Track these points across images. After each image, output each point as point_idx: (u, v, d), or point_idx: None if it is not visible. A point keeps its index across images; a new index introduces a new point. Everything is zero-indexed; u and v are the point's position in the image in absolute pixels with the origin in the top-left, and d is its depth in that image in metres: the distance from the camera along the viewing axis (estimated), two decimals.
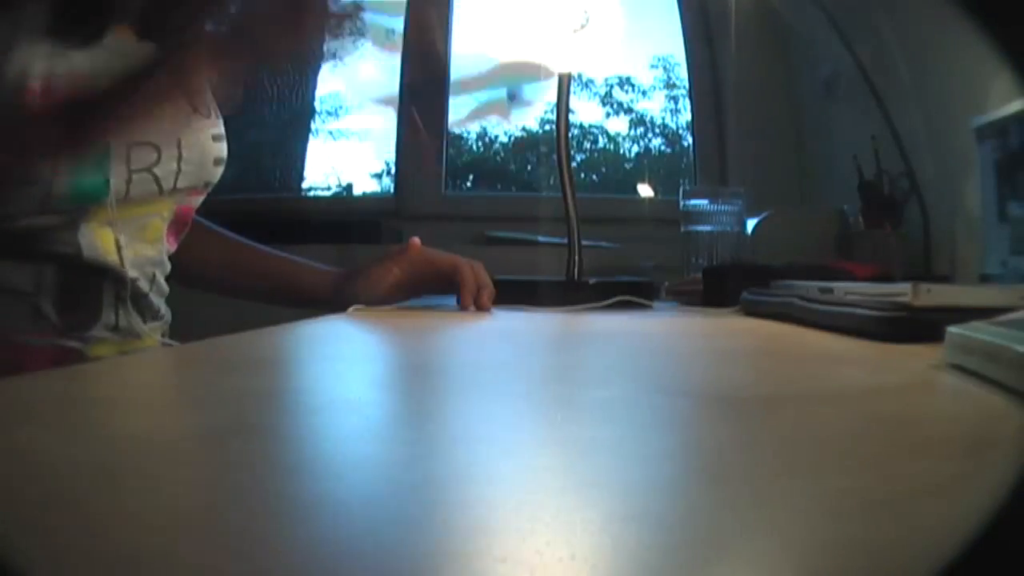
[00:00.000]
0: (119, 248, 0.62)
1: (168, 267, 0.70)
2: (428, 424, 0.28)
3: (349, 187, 1.91)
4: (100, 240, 0.61)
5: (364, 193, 1.90)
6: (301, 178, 1.92)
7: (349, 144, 1.93)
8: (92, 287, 0.62)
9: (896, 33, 1.26)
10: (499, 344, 0.57)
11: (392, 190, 1.78)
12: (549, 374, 0.43)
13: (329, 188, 1.92)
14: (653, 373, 0.43)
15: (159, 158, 0.64)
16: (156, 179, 0.64)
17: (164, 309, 0.70)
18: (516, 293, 0.91)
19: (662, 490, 0.19)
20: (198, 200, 0.72)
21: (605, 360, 0.50)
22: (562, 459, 0.22)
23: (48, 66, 0.57)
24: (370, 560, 0.14)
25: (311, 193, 1.91)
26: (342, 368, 0.43)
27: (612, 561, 0.14)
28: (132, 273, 0.64)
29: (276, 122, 1.87)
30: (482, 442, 0.24)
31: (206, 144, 0.69)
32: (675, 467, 0.22)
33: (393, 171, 1.79)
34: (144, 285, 0.66)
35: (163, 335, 0.70)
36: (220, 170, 0.72)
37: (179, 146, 0.66)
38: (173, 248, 0.71)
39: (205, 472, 0.20)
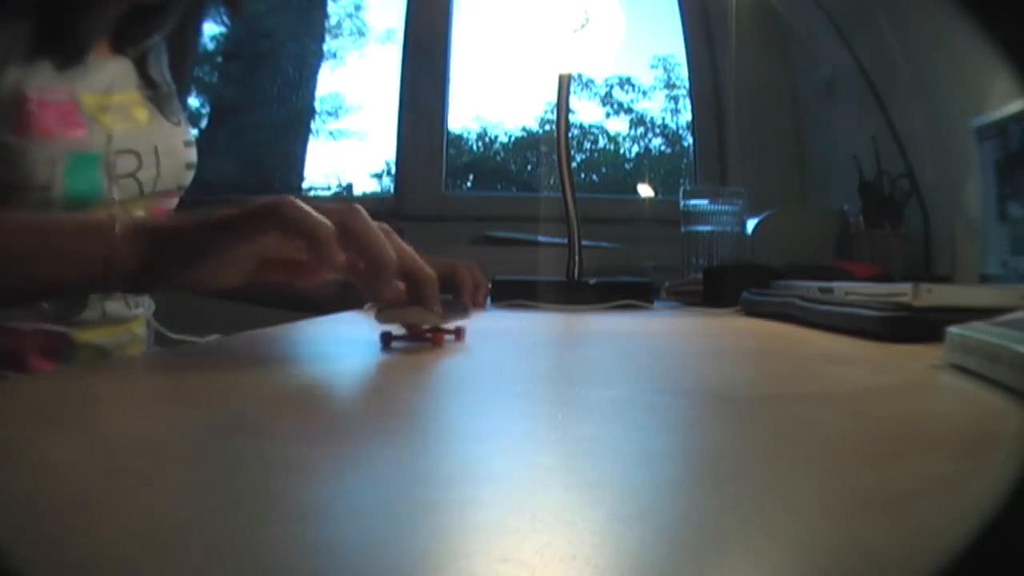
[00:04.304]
0: None
1: None
2: (428, 423, 0.28)
3: (349, 187, 1.92)
4: None
5: (364, 193, 1.90)
6: (301, 178, 1.92)
7: (349, 144, 1.93)
8: None
9: (896, 33, 1.26)
10: (499, 344, 0.57)
11: (392, 190, 1.78)
12: (550, 374, 0.43)
13: (329, 188, 1.92)
14: (654, 373, 0.43)
15: (140, 164, 0.70)
16: (139, 183, 0.70)
17: (146, 297, 0.74)
18: (516, 293, 0.91)
19: (663, 490, 0.19)
20: (173, 202, 0.76)
21: (605, 360, 0.49)
22: (563, 459, 0.22)
23: (41, 84, 0.63)
24: (370, 560, 0.14)
25: (311, 193, 1.91)
26: (344, 366, 0.43)
27: (613, 561, 0.14)
28: None
29: (276, 122, 1.88)
30: (482, 441, 0.24)
31: (179, 150, 0.75)
32: (676, 467, 0.22)
33: (393, 171, 1.79)
34: None
35: (147, 323, 0.74)
36: (191, 174, 0.77)
37: (156, 152, 0.72)
38: None
39: (205, 472, 0.20)
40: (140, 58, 0.74)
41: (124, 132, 0.69)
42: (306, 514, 0.16)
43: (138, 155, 0.70)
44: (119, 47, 0.72)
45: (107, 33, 0.69)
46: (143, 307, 0.73)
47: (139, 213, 0.70)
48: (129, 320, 0.71)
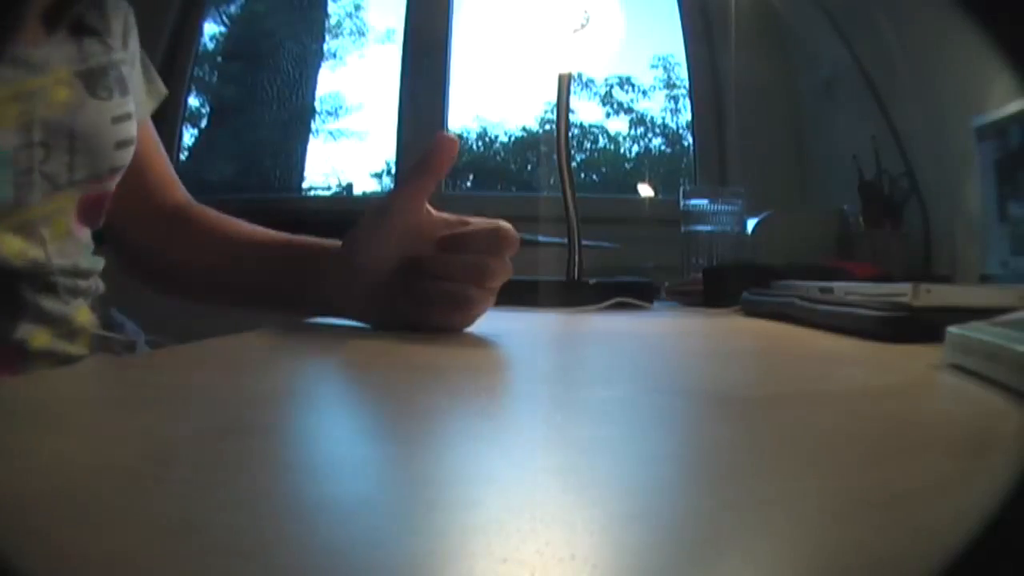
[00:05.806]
0: (26, 252, 0.60)
1: (88, 247, 0.67)
2: (427, 423, 0.28)
3: (349, 187, 1.92)
4: (4, 245, 0.59)
5: (364, 193, 1.90)
6: (301, 178, 1.92)
7: (349, 144, 1.93)
8: (6, 288, 0.60)
9: (896, 33, 1.26)
10: (499, 344, 0.57)
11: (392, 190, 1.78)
12: (549, 374, 0.43)
13: (329, 188, 1.92)
14: (653, 373, 0.43)
15: (47, 154, 0.61)
16: (47, 176, 0.61)
17: (87, 283, 0.66)
18: (516, 293, 0.91)
19: (662, 490, 0.19)
20: (110, 184, 0.68)
21: (605, 360, 0.49)
22: (562, 459, 0.22)
23: None
24: (370, 560, 0.14)
25: (311, 193, 1.91)
26: (343, 366, 0.43)
27: (612, 561, 0.14)
28: (49, 264, 0.61)
29: (276, 122, 1.88)
30: (482, 441, 0.24)
31: (104, 129, 0.65)
32: (675, 467, 0.22)
33: (393, 171, 1.79)
34: (61, 277, 0.63)
35: (93, 309, 0.67)
36: (126, 152, 0.67)
37: (71, 136, 0.63)
38: (88, 231, 0.68)
39: (205, 472, 0.20)
40: (76, 22, 0.64)
41: (32, 122, 0.60)
42: (305, 514, 0.16)
43: (46, 144, 0.61)
44: (52, 25, 0.62)
45: (35, 18, 0.60)
46: (81, 297, 0.65)
47: (67, 208, 0.64)
48: (68, 314, 0.64)
